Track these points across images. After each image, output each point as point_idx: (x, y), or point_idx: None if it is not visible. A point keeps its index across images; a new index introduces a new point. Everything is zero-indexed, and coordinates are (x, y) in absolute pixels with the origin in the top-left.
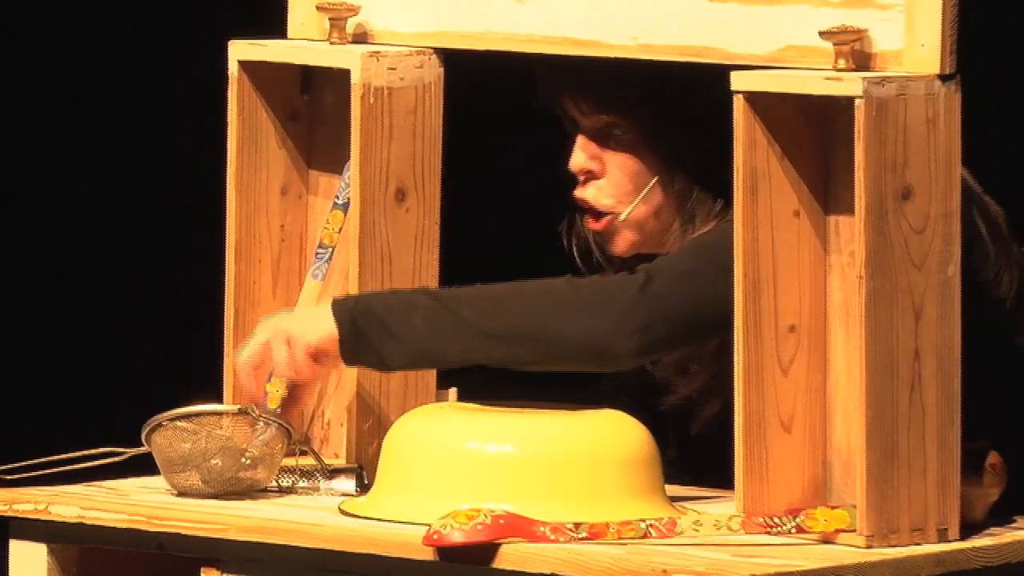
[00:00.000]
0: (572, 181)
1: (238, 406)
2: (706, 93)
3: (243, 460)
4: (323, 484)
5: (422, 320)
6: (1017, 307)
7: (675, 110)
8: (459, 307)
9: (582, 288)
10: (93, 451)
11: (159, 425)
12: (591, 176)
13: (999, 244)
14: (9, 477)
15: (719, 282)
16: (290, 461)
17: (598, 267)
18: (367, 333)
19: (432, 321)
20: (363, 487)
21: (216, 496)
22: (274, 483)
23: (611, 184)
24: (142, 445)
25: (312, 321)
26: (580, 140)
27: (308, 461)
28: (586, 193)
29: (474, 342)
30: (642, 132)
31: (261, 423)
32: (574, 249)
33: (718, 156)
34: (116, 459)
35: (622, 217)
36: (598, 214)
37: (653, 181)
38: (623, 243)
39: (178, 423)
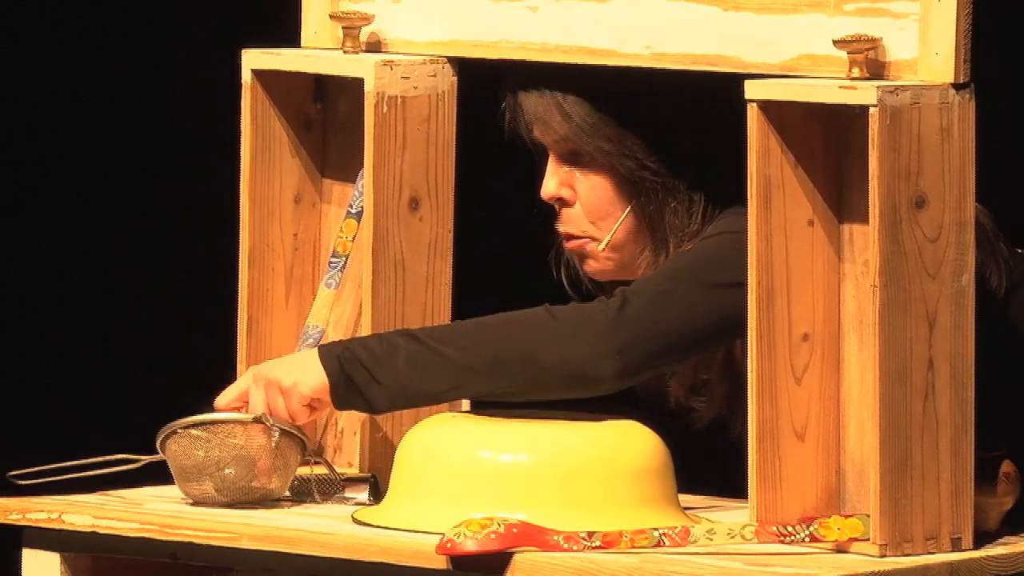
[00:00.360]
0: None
1: (252, 415)
2: (673, 107)
3: (256, 470)
4: (336, 493)
5: (404, 362)
6: (1005, 306)
7: (645, 128)
8: (440, 345)
9: (560, 315)
10: (108, 458)
11: (173, 432)
12: (564, 203)
13: (983, 244)
14: (24, 483)
15: (698, 298)
16: (304, 470)
17: (588, 295)
18: (355, 379)
19: (415, 362)
20: (376, 496)
21: (229, 505)
22: (288, 492)
23: (585, 210)
24: (156, 453)
25: (303, 371)
26: (551, 166)
27: (321, 470)
28: (562, 221)
29: (458, 377)
30: (610, 154)
31: (276, 433)
32: (563, 279)
33: (693, 173)
34: (131, 466)
35: (600, 247)
36: (573, 238)
37: (628, 208)
38: (600, 266)
39: (192, 431)
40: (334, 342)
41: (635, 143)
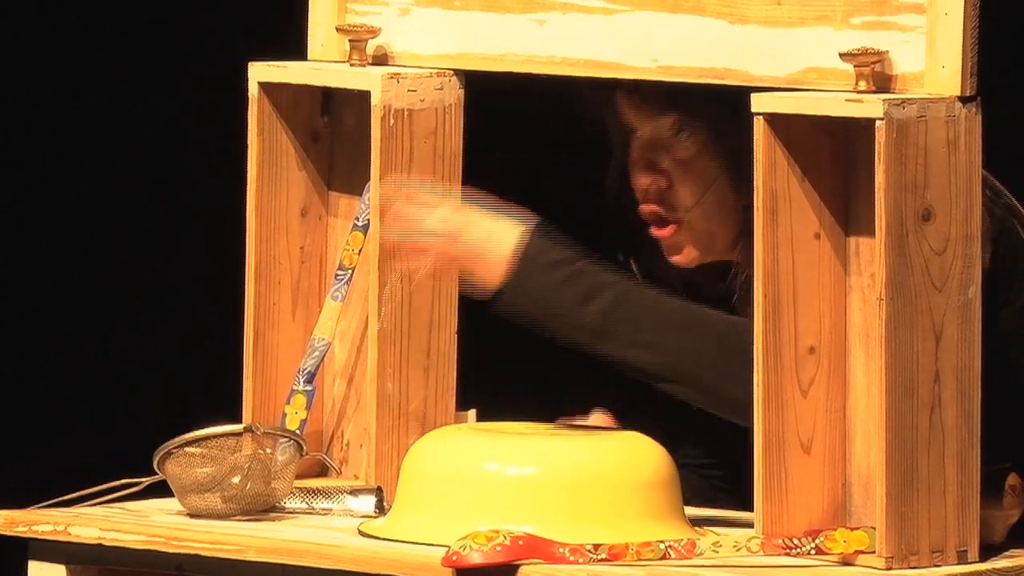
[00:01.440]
0: (620, 196)
1: (242, 425)
2: None
3: (260, 478)
4: (341, 505)
5: (610, 300)
6: (1012, 319)
7: (741, 110)
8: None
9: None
10: (110, 484)
11: (168, 453)
12: (655, 188)
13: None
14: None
15: None
16: (311, 482)
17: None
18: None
19: (617, 302)
20: (382, 508)
21: (235, 515)
22: (294, 503)
23: (677, 193)
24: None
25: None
26: (639, 152)
27: (327, 482)
28: (651, 205)
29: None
30: (707, 132)
31: (280, 439)
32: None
33: None
34: (133, 490)
35: (687, 218)
36: (663, 222)
37: (716, 182)
38: (689, 253)
39: (187, 449)
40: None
41: (736, 125)
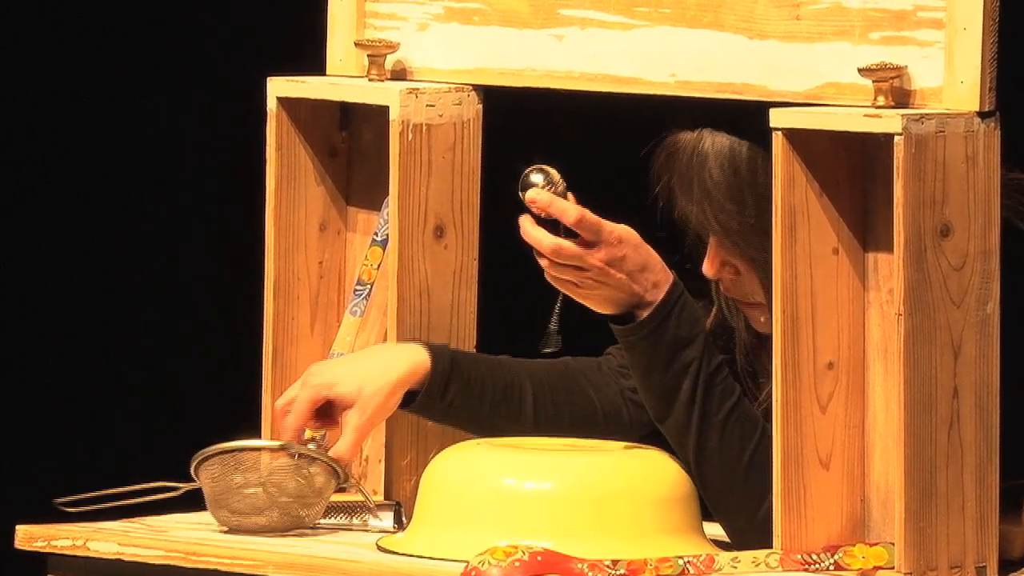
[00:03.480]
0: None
1: (280, 443)
2: None
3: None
4: (359, 520)
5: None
6: None
7: None
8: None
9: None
10: (148, 485)
11: (207, 458)
12: (727, 279)
13: None
14: (70, 510)
15: None
16: (337, 497)
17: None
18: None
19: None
20: (400, 524)
21: (261, 531)
22: (320, 520)
23: (748, 285)
24: (190, 481)
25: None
26: (711, 249)
27: (346, 497)
28: (731, 292)
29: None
30: (763, 252)
31: (314, 461)
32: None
33: None
34: (171, 494)
35: (765, 317)
36: (743, 304)
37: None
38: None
39: (228, 456)
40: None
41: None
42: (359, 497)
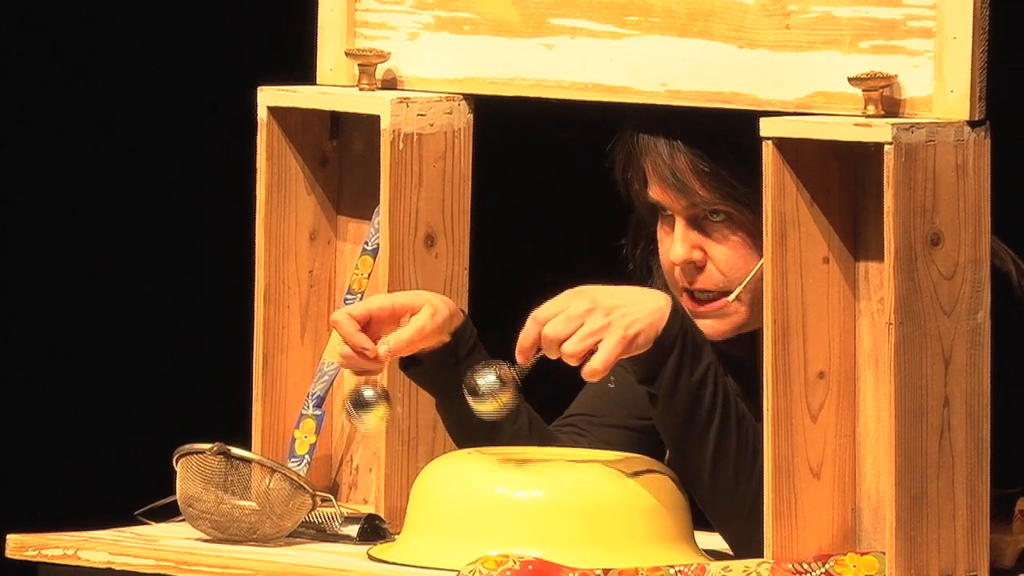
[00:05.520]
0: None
1: (271, 461)
2: None
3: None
4: (331, 529)
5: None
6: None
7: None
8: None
9: None
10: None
11: (190, 454)
12: (695, 265)
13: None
14: (148, 521)
15: None
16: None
17: None
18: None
19: (718, 399)
20: (375, 536)
21: (220, 538)
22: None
23: (719, 268)
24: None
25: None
26: (680, 230)
27: (329, 509)
28: (691, 280)
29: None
30: (755, 215)
31: (293, 486)
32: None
33: None
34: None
35: (731, 298)
36: (705, 298)
37: (762, 261)
38: (728, 325)
39: (203, 456)
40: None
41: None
42: (332, 509)
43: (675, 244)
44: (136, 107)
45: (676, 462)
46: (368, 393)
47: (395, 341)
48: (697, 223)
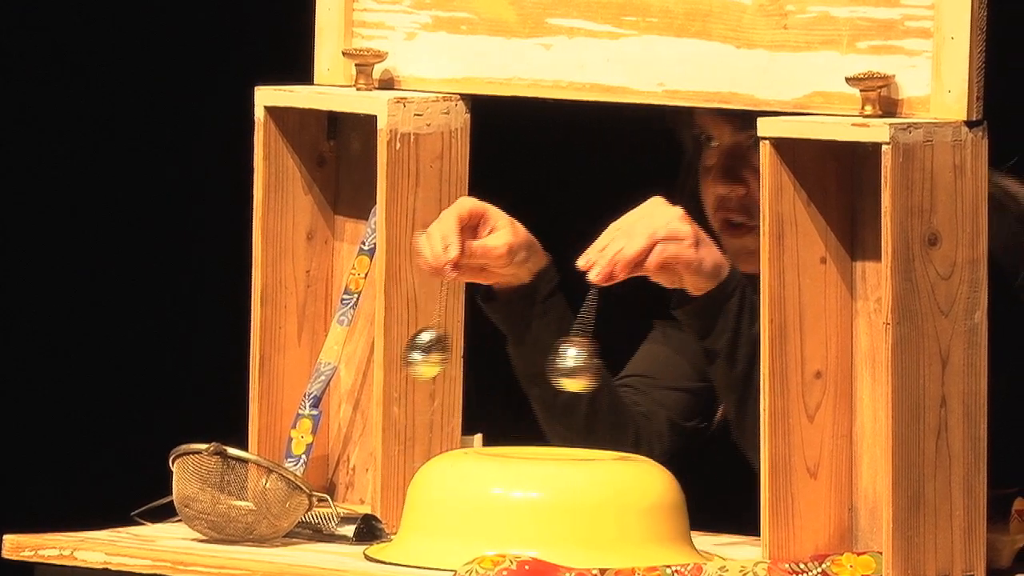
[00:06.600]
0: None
1: (267, 462)
2: None
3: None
4: (327, 529)
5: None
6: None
7: None
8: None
9: None
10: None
11: (188, 454)
12: (734, 196)
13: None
14: (145, 522)
15: None
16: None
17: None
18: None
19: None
20: (370, 536)
21: (218, 538)
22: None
23: (754, 202)
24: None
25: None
26: (717, 160)
27: (325, 509)
28: (728, 213)
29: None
30: None
31: (290, 486)
32: None
33: None
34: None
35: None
36: (739, 230)
37: None
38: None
39: (199, 457)
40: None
41: None
42: (328, 509)
43: (715, 170)
44: (134, 107)
45: (734, 419)
46: (425, 336)
47: (492, 243)
48: (740, 154)
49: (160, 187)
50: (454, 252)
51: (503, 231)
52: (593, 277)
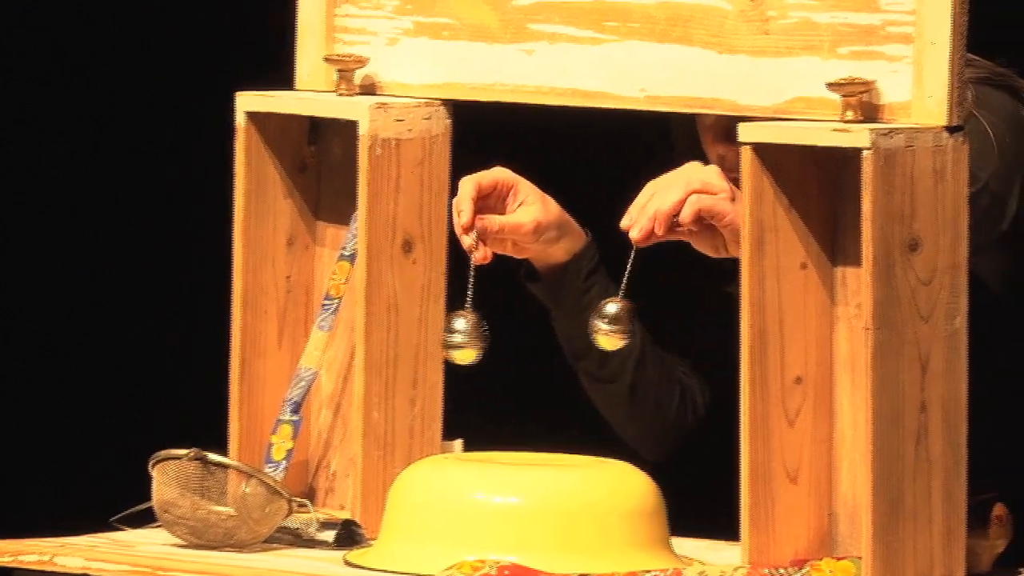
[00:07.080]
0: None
1: (248, 466)
2: None
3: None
4: (306, 534)
5: None
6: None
7: None
8: None
9: None
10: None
11: (170, 459)
12: (732, 156)
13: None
14: (123, 527)
15: None
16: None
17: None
18: None
19: None
20: (350, 542)
21: (198, 543)
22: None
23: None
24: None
25: None
26: (714, 119)
27: (305, 515)
28: (733, 171)
29: None
30: None
31: (270, 492)
32: None
33: None
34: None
35: None
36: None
37: None
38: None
39: (180, 463)
40: None
41: None
42: (308, 515)
43: (717, 135)
44: (114, 112)
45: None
46: (460, 323)
47: (518, 219)
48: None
49: (140, 192)
50: (465, 219)
51: (532, 207)
52: (634, 235)
